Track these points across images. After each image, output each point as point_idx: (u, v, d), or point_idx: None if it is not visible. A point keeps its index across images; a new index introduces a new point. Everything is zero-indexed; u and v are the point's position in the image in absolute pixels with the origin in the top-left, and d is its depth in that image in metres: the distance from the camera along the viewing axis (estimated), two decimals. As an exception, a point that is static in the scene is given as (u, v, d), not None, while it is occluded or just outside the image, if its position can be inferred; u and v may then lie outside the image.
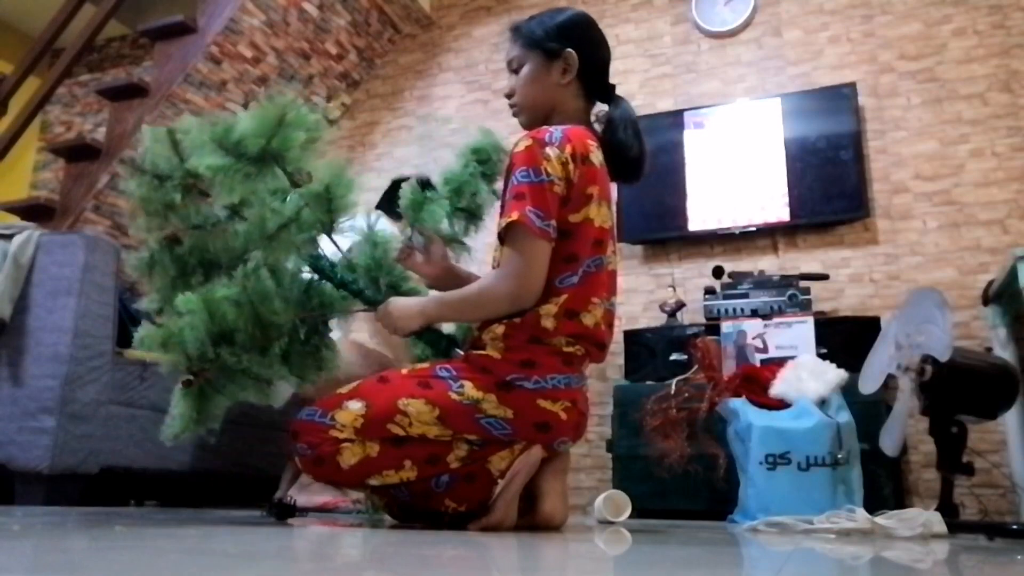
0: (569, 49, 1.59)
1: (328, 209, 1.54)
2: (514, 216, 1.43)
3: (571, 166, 1.47)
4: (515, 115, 1.68)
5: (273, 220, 1.48)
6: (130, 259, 1.58)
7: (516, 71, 1.65)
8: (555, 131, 1.50)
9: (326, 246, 1.64)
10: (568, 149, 1.48)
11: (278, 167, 1.48)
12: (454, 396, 1.45)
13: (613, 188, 1.65)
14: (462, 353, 1.60)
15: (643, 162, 1.63)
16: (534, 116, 1.65)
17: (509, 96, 1.67)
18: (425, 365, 1.55)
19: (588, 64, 1.62)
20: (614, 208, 1.68)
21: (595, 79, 1.64)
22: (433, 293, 1.69)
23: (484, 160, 1.85)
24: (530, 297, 1.47)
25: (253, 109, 1.49)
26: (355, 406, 1.46)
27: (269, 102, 1.46)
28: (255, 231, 1.50)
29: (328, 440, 1.44)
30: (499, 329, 1.49)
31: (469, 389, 1.45)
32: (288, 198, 1.53)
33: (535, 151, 1.46)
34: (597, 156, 1.55)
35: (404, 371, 1.54)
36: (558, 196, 1.46)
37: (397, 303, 1.60)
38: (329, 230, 1.57)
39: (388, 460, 1.44)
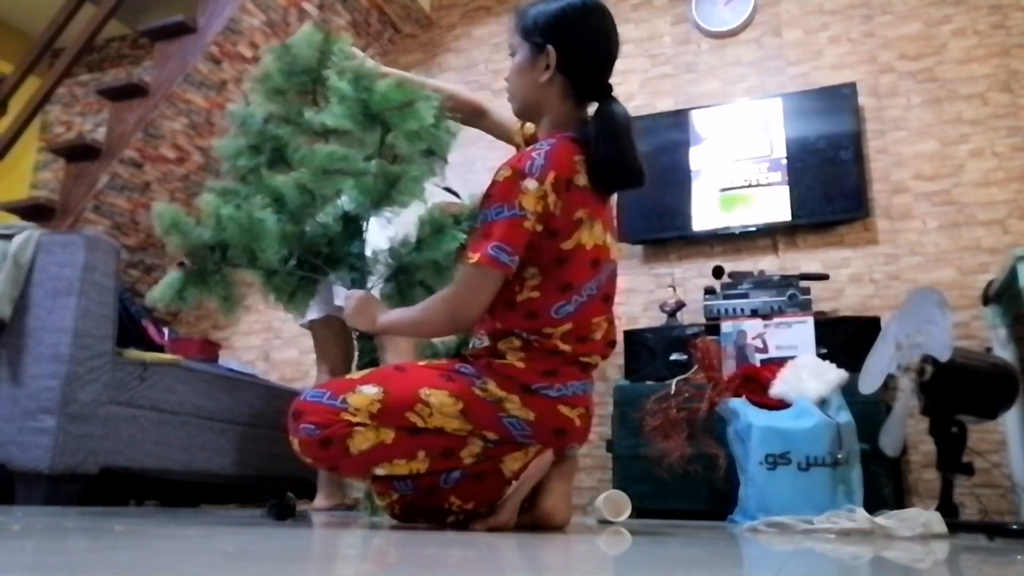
0: (550, 46, 1.52)
1: (386, 193, 1.67)
2: (475, 258, 1.43)
3: (551, 198, 1.43)
4: (509, 100, 1.65)
5: (335, 162, 1.63)
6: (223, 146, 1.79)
7: (513, 55, 1.61)
8: (538, 157, 1.45)
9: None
10: (550, 178, 1.43)
11: (382, 132, 1.64)
12: (478, 392, 1.45)
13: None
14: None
15: (623, 173, 1.53)
16: (522, 108, 1.63)
17: (507, 80, 1.64)
18: (443, 361, 1.55)
19: (574, 63, 1.53)
20: (613, 212, 1.67)
21: (584, 79, 1.55)
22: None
23: None
24: (466, 321, 1.52)
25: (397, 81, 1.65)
26: (371, 391, 1.43)
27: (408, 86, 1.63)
28: (317, 159, 1.65)
29: (339, 423, 1.41)
30: (517, 342, 1.49)
31: (493, 387, 1.46)
32: (367, 158, 1.67)
33: (513, 184, 1.43)
34: (584, 174, 1.49)
35: (421, 363, 1.54)
36: (529, 231, 1.43)
37: (363, 299, 1.65)
38: (374, 207, 1.69)
39: (402, 449, 1.43)
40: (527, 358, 1.48)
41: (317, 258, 1.75)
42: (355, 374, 1.54)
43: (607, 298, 1.58)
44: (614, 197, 1.66)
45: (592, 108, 1.58)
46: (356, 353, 2.48)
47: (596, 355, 1.56)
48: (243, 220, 1.62)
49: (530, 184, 1.43)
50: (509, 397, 1.45)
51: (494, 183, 1.47)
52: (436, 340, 2.15)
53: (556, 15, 1.54)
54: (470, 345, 1.62)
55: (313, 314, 2.55)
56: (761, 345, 2.70)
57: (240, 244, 1.64)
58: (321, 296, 2.50)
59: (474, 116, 1.88)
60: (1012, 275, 2.32)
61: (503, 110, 1.83)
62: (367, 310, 1.64)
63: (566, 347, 1.50)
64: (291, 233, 1.70)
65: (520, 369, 1.47)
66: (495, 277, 1.45)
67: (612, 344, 1.61)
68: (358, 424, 1.41)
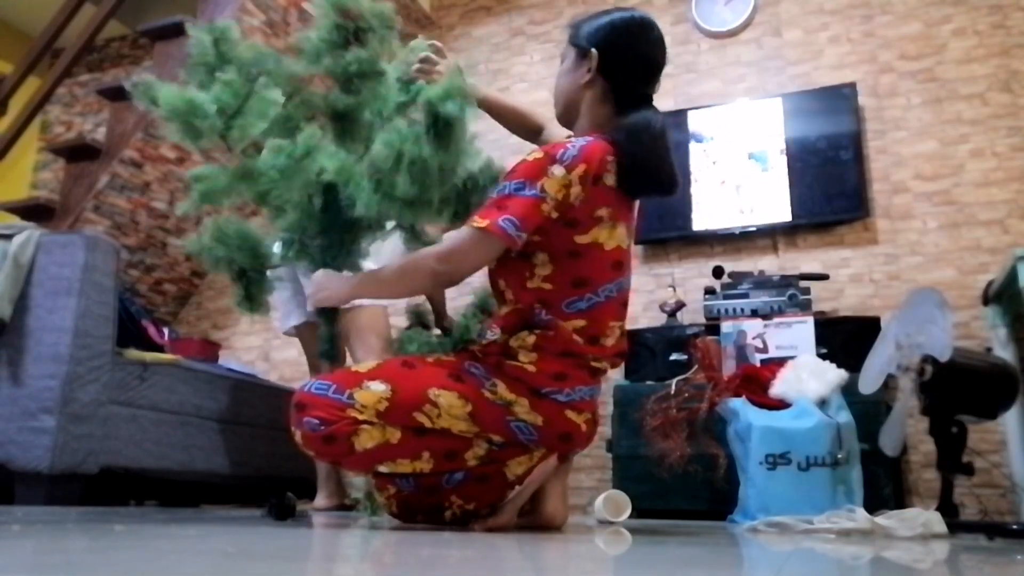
0: (594, 49, 1.57)
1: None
2: (483, 224, 1.42)
3: (575, 189, 1.44)
4: (554, 105, 1.68)
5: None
6: None
7: (562, 63, 1.66)
8: (572, 148, 1.46)
9: None
10: (579, 169, 1.44)
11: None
12: (487, 394, 1.44)
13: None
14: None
15: (653, 178, 1.53)
16: (562, 110, 1.65)
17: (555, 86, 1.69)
18: (452, 358, 1.53)
19: (615, 68, 1.56)
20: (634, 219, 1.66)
21: (624, 85, 1.57)
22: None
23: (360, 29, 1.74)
24: (451, 279, 1.50)
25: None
26: (379, 388, 1.42)
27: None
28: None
29: (346, 420, 1.39)
30: (530, 339, 1.48)
31: (502, 390, 1.45)
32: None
33: (541, 165, 1.45)
34: (614, 175, 1.50)
35: (430, 359, 1.53)
36: (544, 216, 1.43)
37: (320, 274, 1.65)
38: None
39: (407, 449, 1.42)
40: (538, 359, 1.47)
41: (307, 252, 1.77)
42: (361, 366, 1.52)
43: (625, 304, 1.58)
44: (636, 204, 1.65)
45: None
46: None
47: (605, 361, 1.55)
48: (235, 230, 1.71)
49: (557, 170, 1.44)
50: (518, 400, 1.44)
51: (522, 160, 1.48)
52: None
53: (604, 24, 1.60)
54: (478, 337, 1.59)
55: (294, 320, 2.56)
56: (761, 345, 2.70)
57: (246, 251, 1.71)
58: (299, 301, 2.51)
59: (533, 133, 1.89)
60: (1012, 275, 2.32)
61: (557, 127, 1.81)
62: (330, 282, 1.63)
63: (579, 339, 1.48)
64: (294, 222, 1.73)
65: (531, 372, 1.46)
66: (496, 245, 1.45)
67: (622, 356, 1.60)
68: (364, 422, 1.40)
